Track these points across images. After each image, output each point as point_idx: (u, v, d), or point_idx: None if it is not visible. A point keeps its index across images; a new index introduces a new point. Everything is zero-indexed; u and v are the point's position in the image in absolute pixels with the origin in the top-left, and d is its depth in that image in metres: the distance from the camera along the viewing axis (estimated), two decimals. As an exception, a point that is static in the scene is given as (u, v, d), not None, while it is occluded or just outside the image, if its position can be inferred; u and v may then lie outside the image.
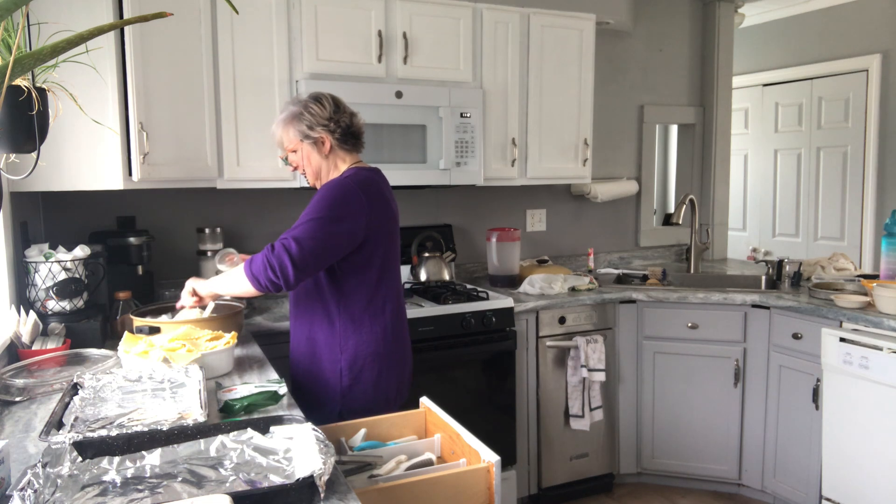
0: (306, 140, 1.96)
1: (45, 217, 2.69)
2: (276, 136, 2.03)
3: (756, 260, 4.30)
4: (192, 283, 1.99)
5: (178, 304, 2.04)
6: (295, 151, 1.99)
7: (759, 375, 3.02)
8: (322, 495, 1.05)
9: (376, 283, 1.95)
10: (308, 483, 1.03)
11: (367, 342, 1.95)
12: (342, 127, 1.96)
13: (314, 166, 2.00)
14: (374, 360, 1.95)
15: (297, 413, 1.47)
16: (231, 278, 1.89)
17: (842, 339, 2.60)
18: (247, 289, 1.83)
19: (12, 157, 1.59)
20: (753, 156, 5.18)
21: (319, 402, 1.95)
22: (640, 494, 3.23)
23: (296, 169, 2.04)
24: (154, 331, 1.97)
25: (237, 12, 2.50)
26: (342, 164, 2.01)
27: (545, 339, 3.00)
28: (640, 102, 3.99)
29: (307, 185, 2.28)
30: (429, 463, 1.54)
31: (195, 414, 1.36)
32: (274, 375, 1.82)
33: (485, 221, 3.55)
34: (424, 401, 1.73)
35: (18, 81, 1.28)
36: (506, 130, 3.12)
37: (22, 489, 0.97)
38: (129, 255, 2.56)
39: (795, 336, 2.85)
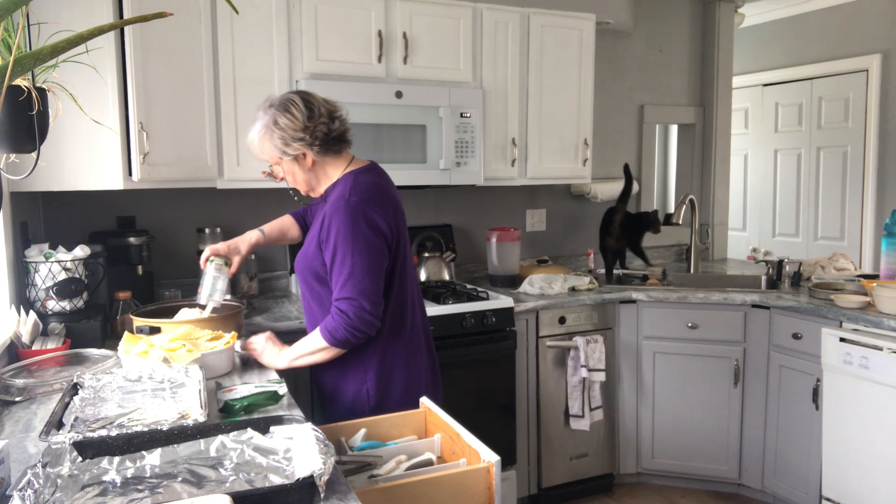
0: (285, 156, 1.81)
1: (45, 217, 2.69)
2: (252, 150, 1.88)
3: (756, 260, 4.30)
4: (271, 347, 1.89)
5: (251, 346, 1.95)
6: (279, 164, 1.87)
7: (759, 375, 3.02)
8: (322, 495, 1.05)
9: (394, 289, 1.85)
10: (308, 483, 1.03)
11: (391, 356, 1.86)
12: (320, 137, 1.79)
13: (301, 180, 1.87)
14: (400, 370, 1.88)
15: (298, 413, 1.47)
16: (312, 349, 1.81)
17: (842, 339, 2.60)
18: (330, 356, 1.80)
19: (12, 157, 1.60)
20: (753, 156, 5.18)
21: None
22: (640, 494, 3.23)
23: (282, 180, 1.90)
24: (154, 331, 1.97)
25: (237, 12, 2.50)
26: (333, 171, 1.87)
27: (545, 339, 3.00)
28: (640, 102, 3.99)
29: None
30: (429, 463, 1.54)
31: (195, 414, 1.36)
32: (274, 375, 1.82)
33: (485, 221, 3.55)
34: (424, 401, 1.73)
35: (18, 81, 1.28)
36: (506, 130, 3.12)
37: (22, 489, 0.97)
38: (129, 255, 2.57)
39: (795, 336, 2.85)
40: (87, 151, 2.29)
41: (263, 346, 1.90)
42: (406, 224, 1.93)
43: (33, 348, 1.92)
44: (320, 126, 1.79)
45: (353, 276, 1.73)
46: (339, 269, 1.74)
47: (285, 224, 2.16)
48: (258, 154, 1.87)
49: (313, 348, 1.81)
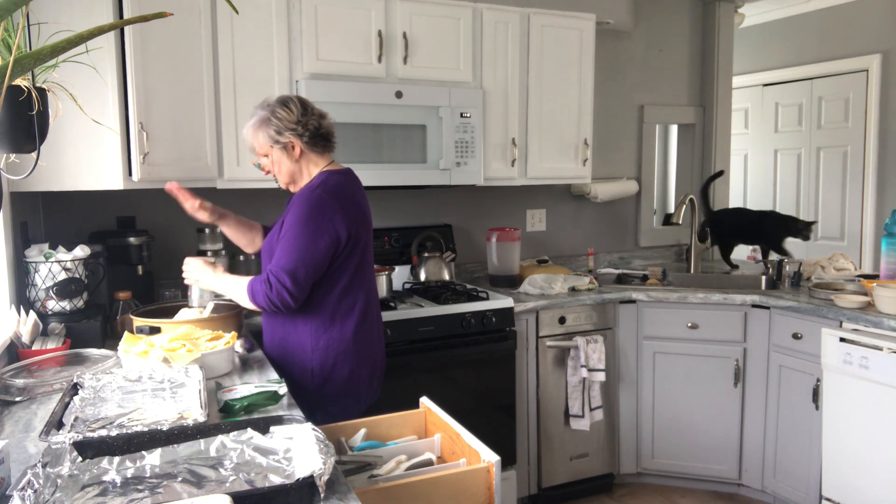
0: (276, 145, 1.97)
1: (45, 217, 2.69)
2: (246, 141, 2.05)
3: (756, 260, 4.30)
4: (203, 268, 2.03)
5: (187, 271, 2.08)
6: (266, 156, 2.01)
7: (759, 375, 3.02)
8: (322, 495, 1.05)
9: (347, 284, 1.98)
10: (308, 483, 1.03)
11: (337, 341, 1.97)
12: (310, 130, 1.97)
13: (286, 171, 2.01)
14: (344, 358, 1.98)
15: (297, 413, 1.47)
16: (234, 293, 1.97)
17: (842, 339, 2.60)
18: (247, 306, 1.96)
19: (12, 157, 1.60)
20: (753, 156, 5.18)
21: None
22: (640, 494, 3.23)
23: (268, 173, 2.05)
24: (154, 331, 1.97)
25: (237, 12, 2.50)
26: (314, 168, 2.02)
27: (545, 339, 3.00)
28: (640, 102, 3.99)
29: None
30: (429, 463, 1.55)
31: (195, 414, 1.36)
32: (274, 375, 1.82)
33: (485, 221, 3.55)
34: (424, 401, 1.73)
35: (18, 81, 1.27)
36: (506, 130, 3.12)
37: (22, 489, 0.97)
38: (129, 255, 2.57)
39: (795, 336, 2.85)
40: (87, 151, 2.29)
41: (200, 265, 2.04)
42: (370, 230, 2.07)
43: (33, 348, 1.92)
44: (312, 121, 1.97)
45: (290, 255, 1.87)
46: (283, 243, 1.90)
47: (254, 226, 2.31)
48: (251, 142, 2.02)
49: (236, 294, 1.96)
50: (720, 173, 3.96)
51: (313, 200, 1.91)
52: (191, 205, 2.13)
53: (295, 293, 1.87)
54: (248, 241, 2.29)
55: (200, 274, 2.03)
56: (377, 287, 2.27)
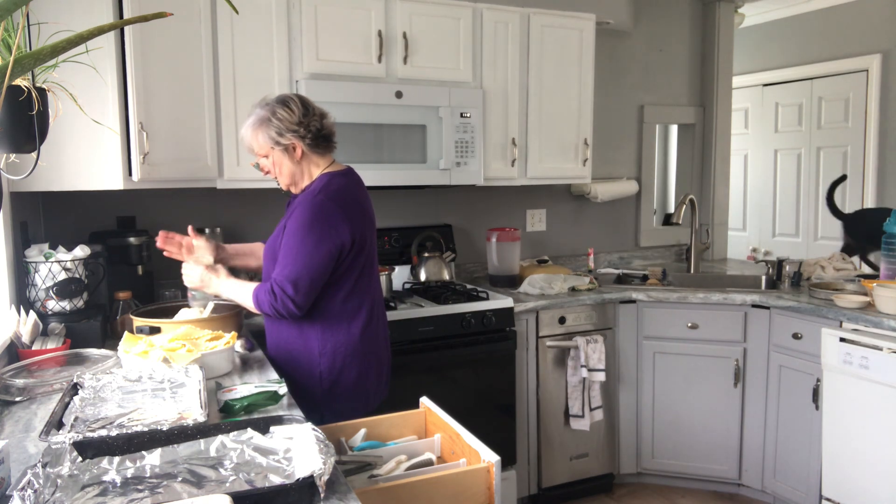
0: (277, 146, 1.93)
1: (45, 217, 2.69)
2: (245, 141, 2.00)
3: (756, 260, 4.30)
4: (205, 275, 2.02)
5: (187, 282, 2.07)
6: (266, 157, 1.97)
7: (759, 375, 3.02)
8: (322, 495, 1.06)
9: (353, 286, 1.97)
10: (308, 483, 1.03)
11: (344, 343, 1.97)
12: (312, 131, 1.93)
13: (287, 172, 1.98)
14: (353, 359, 1.98)
15: (297, 413, 1.47)
16: (240, 299, 1.99)
17: (842, 339, 2.60)
18: (253, 311, 1.98)
19: (12, 157, 1.60)
20: (753, 156, 5.18)
21: (301, 406, 1.95)
22: (640, 494, 3.23)
23: (268, 173, 2.02)
24: (154, 331, 1.98)
25: (237, 12, 2.50)
26: (315, 170, 1.99)
27: (545, 339, 3.00)
28: (640, 102, 3.99)
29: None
30: (429, 463, 1.55)
31: (195, 414, 1.36)
32: (274, 375, 1.82)
33: (485, 221, 3.55)
34: (424, 401, 1.73)
35: (18, 81, 1.27)
36: (506, 130, 3.12)
37: (22, 489, 0.97)
38: (129, 255, 2.57)
39: (795, 336, 2.85)
40: (87, 151, 2.29)
41: (201, 273, 2.03)
42: (374, 230, 2.05)
43: (33, 348, 1.92)
44: (314, 122, 1.94)
45: (293, 264, 1.86)
46: (286, 251, 1.89)
47: (255, 246, 2.31)
48: (249, 143, 1.99)
49: (242, 300, 1.98)
50: (843, 178, 3.87)
51: (316, 207, 1.88)
52: (188, 242, 2.12)
53: (299, 302, 1.87)
54: (256, 262, 2.29)
55: (205, 281, 2.02)
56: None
